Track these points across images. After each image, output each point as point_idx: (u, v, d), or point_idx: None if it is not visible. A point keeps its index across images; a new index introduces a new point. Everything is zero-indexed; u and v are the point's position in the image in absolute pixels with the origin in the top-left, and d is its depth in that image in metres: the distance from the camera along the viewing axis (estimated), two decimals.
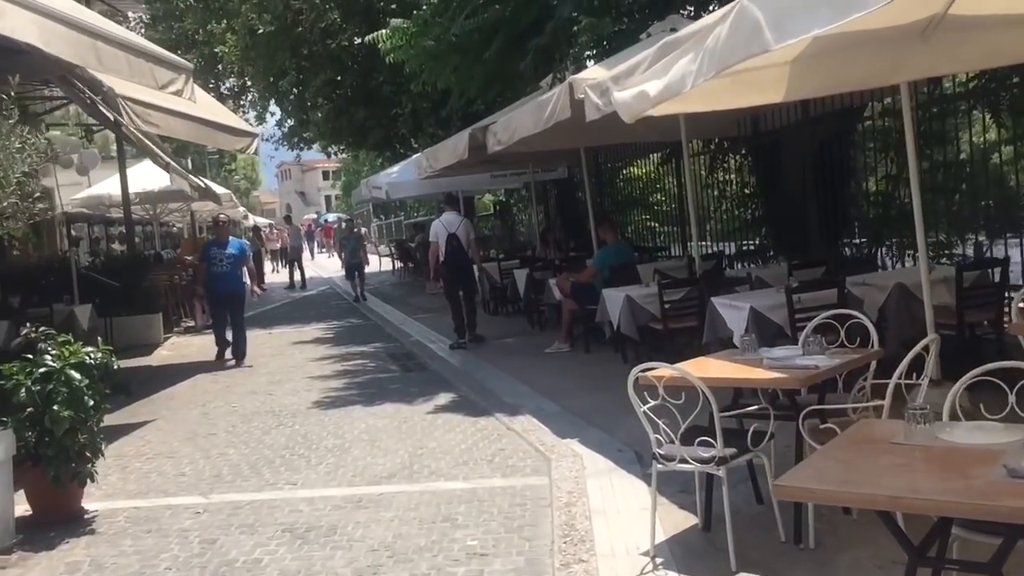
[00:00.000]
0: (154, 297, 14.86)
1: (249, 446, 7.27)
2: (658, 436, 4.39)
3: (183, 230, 28.94)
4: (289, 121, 22.23)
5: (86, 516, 5.62)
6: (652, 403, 4.28)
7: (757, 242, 12.28)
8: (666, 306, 8.45)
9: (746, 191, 12.92)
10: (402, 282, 25.10)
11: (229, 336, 12.08)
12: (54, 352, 5.49)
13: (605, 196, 17.15)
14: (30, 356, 5.51)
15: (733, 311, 7.05)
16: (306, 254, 32.99)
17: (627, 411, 4.57)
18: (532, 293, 12.45)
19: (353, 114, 19.91)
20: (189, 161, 33.82)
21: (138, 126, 9.16)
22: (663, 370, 4.41)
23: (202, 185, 19.02)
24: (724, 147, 12.79)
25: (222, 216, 13.38)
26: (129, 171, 21.20)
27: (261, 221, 49.40)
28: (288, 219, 28.22)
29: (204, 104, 12.17)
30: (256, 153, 13.32)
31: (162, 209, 25.17)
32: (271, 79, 19.84)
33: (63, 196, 21.25)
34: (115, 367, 5.64)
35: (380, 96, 19.59)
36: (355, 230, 23.46)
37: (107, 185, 20.85)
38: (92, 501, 5.89)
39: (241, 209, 36.10)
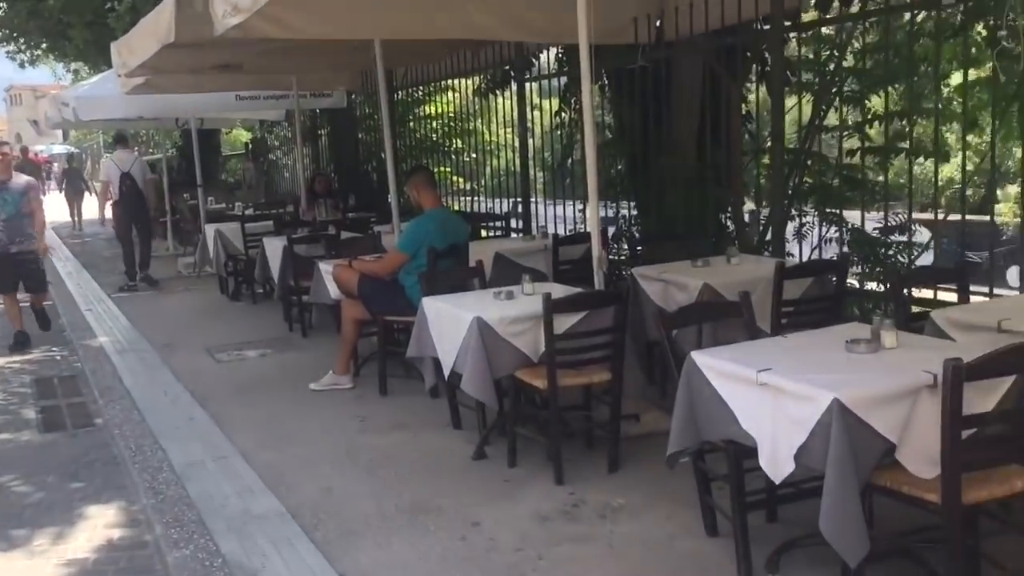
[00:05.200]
0: None
1: None
2: None
3: None
4: None
5: None
6: None
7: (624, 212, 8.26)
8: (556, 344, 4.29)
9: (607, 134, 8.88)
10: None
11: None
12: None
13: (398, 137, 12.71)
14: None
15: (780, 403, 3.01)
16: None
17: None
18: (292, 277, 7.90)
19: (39, 1, 14.16)
20: None
21: None
22: None
23: None
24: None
25: None
26: None
27: None
28: None
29: None
30: None
31: None
32: None
33: None
34: None
35: None
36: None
37: None
38: None
39: None
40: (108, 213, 12.76)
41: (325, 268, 6.57)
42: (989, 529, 2.88)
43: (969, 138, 6.91)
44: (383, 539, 3.86)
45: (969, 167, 6.51)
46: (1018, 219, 12.90)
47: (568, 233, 8.42)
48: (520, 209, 9.08)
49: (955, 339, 3.52)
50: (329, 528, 3.99)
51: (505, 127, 9.74)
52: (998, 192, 12.11)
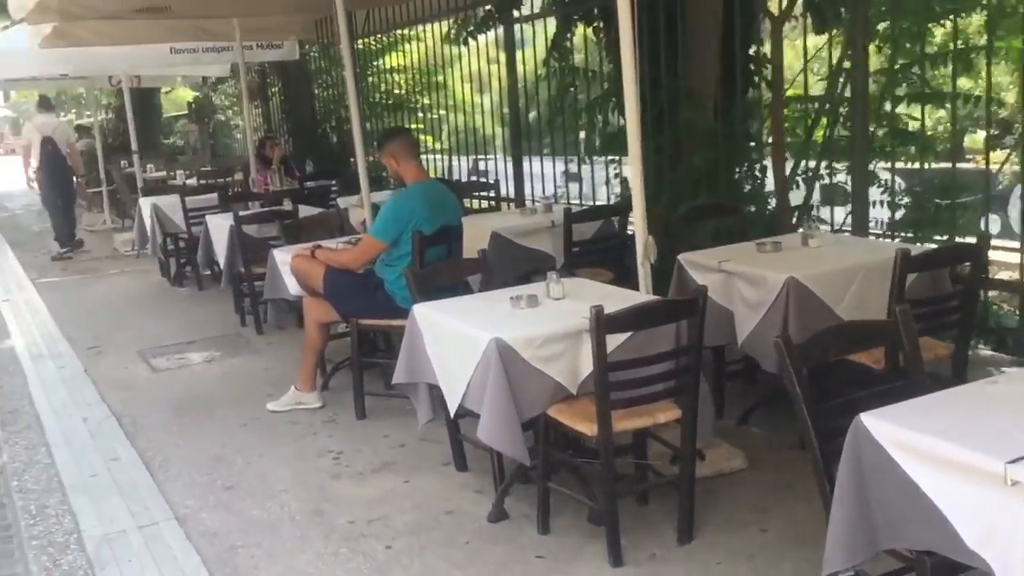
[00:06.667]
0: None
1: None
2: None
3: None
4: None
5: None
6: None
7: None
8: (611, 377, 3.07)
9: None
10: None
11: None
12: None
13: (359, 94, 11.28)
14: None
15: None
16: None
17: None
18: (242, 263, 6.58)
19: None
20: None
21: None
22: None
23: None
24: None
25: None
26: None
27: None
28: None
29: None
30: None
31: None
32: None
33: None
34: None
35: None
36: None
37: None
38: None
39: None
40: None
41: (281, 258, 5.27)
42: None
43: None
44: None
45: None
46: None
47: (551, 196, 7.23)
48: (496, 170, 7.78)
49: None
50: None
51: (483, 79, 8.42)
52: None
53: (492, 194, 7.62)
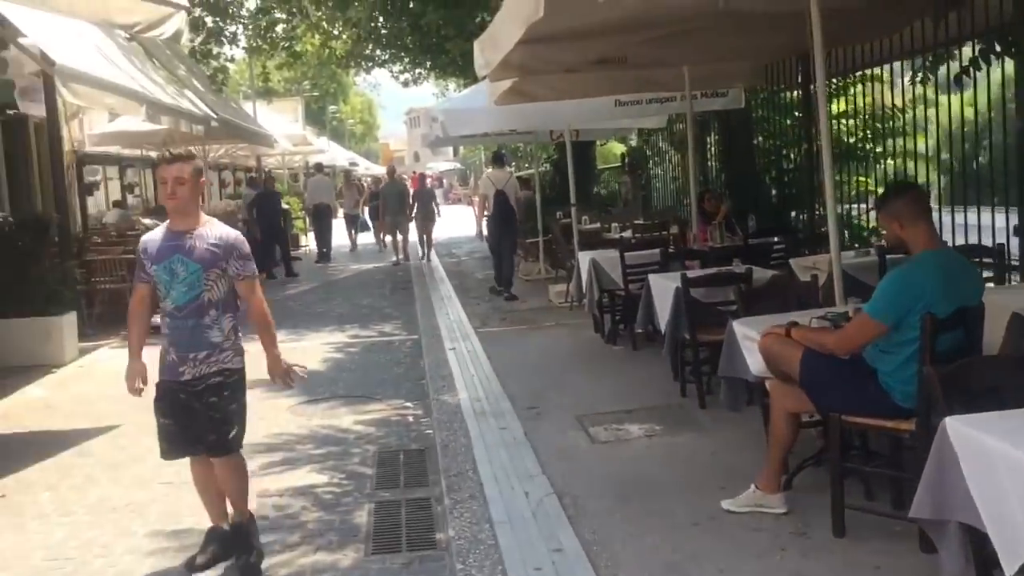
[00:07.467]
0: (57, 289, 9.12)
1: None
2: None
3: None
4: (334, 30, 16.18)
5: None
6: None
7: None
8: None
9: None
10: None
11: None
12: None
13: (795, 143, 10.42)
14: None
15: None
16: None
17: None
18: (687, 329, 6.03)
19: (419, 17, 13.73)
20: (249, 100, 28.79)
21: None
22: None
23: (193, 111, 13.38)
24: None
25: None
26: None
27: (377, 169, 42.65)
28: (320, 168, 20.65)
29: None
30: (179, 41, 7.64)
31: (219, 151, 19.94)
32: None
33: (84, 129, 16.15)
34: None
35: None
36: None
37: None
38: None
39: (322, 149, 29.10)
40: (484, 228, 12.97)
41: (742, 332, 4.59)
42: None
43: None
44: None
45: None
46: None
47: None
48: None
49: None
50: None
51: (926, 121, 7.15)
52: None
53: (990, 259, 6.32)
